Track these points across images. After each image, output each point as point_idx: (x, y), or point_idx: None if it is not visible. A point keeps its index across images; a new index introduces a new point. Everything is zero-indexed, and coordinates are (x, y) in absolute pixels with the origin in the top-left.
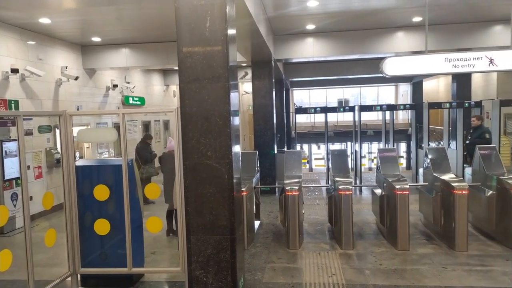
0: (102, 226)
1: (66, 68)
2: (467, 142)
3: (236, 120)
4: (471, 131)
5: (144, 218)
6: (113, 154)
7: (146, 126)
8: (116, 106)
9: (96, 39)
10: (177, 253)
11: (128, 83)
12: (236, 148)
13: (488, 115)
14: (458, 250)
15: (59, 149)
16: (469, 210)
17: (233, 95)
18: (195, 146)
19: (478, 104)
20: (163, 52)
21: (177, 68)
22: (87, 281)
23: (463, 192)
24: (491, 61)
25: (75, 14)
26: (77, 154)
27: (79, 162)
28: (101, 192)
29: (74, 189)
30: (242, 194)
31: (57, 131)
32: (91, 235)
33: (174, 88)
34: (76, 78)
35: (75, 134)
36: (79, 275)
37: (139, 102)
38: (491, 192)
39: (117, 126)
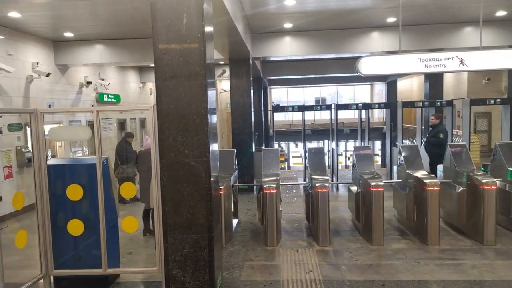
0: (75, 227)
1: (38, 64)
2: (425, 140)
3: (213, 118)
4: (430, 129)
5: (119, 218)
6: (87, 153)
7: (122, 124)
8: (90, 103)
9: (69, 34)
10: (153, 253)
11: (103, 80)
12: (214, 146)
13: (459, 114)
14: (430, 245)
15: (30, 148)
16: (440, 206)
17: (211, 93)
18: (172, 144)
19: (450, 103)
20: (139, 49)
21: (153, 65)
22: (61, 283)
23: (435, 188)
24: (462, 61)
25: (46, 9)
26: (49, 153)
27: (51, 161)
28: (74, 192)
29: (46, 189)
30: (220, 192)
31: (28, 129)
32: (64, 236)
33: (151, 85)
34: (48, 75)
35: (46, 133)
36: (52, 277)
37: (114, 100)
38: (461, 188)
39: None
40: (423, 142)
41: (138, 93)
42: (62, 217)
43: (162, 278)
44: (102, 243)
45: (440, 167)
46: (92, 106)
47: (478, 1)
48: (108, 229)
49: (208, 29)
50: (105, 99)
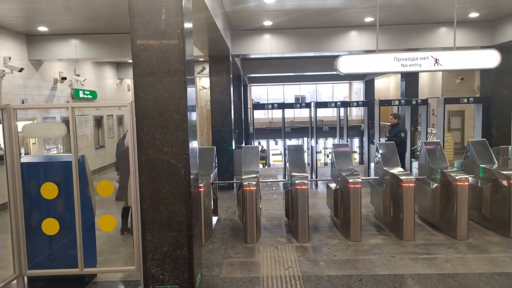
0: (50, 226)
1: (10, 59)
2: (385, 139)
3: (193, 115)
4: (390, 129)
5: (96, 216)
6: (62, 151)
7: (98, 121)
8: (65, 100)
9: (43, 28)
10: (131, 252)
11: (78, 75)
12: (193, 144)
13: (433, 113)
14: (406, 240)
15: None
16: (415, 202)
17: (190, 90)
18: (151, 142)
19: (425, 102)
20: (116, 44)
21: (131, 61)
22: (35, 283)
23: (410, 184)
24: (436, 61)
25: (19, 1)
26: (22, 150)
27: (25, 159)
28: (49, 190)
29: (19, 187)
30: (200, 190)
31: (0, 126)
32: (38, 235)
33: (128, 82)
34: (21, 70)
35: (19, 129)
36: (26, 278)
37: (91, 96)
38: (435, 184)
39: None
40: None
41: (115, 89)
42: (36, 216)
43: (140, 277)
44: (78, 242)
45: (415, 164)
46: (67, 102)
47: (452, 2)
48: (84, 228)
49: (188, 25)
50: (81, 95)
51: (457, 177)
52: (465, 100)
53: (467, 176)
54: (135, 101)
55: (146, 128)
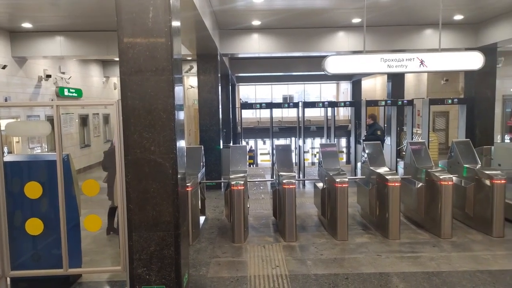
0: (34, 226)
1: None
2: (363, 138)
3: (180, 115)
4: (367, 128)
5: (82, 216)
6: (46, 149)
7: (84, 119)
8: (49, 98)
9: (27, 25)
10: (118, 252)
11: (63, 73)
12: (181, 143)
13: (419, 113)
14: (391, 239)
15: None
16: (401, 201)
17: (178, 89)
18: (138, 141)
19: (410, 103)
20: (103, 42)
21: (117, 59)
22: (18, 284)
23: (396, 184)
24: (422, 62)
25: None
26: (6, 149)
27: (8, 158)
28: (33, 190)
29: (2, 187)
30: (187, 189)
31: None
32: (22, 236)
33: (115, 80)
34: (4, 67)
35: (2, 128)
36: (8, 279)
37: (76, 94)
38: (420, 184)
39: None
40: (363, 141)
41: (101, 87)
42: (19, 216)
43: (126, 277)
44: (63, 242)
45: (401, 164)
46: (52, 100)
47: (437, 5)
48: (69, 228)
49: (175, 23)
50: (66, 93)
51: (441, 177)
52: (450, 101)
53: (451, 175)
54: (121, 99)
55: (133, 127)
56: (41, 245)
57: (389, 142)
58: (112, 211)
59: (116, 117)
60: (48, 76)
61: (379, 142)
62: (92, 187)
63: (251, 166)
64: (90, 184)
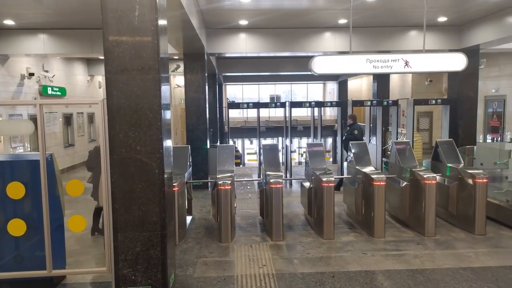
0: (17, 227)
1: None
2: (343, 137)
3: (167, 114)
4: (348, 128)
5: (66, 217)
6: (29, 149)
7: (68, 118)
8: (32, 96)
9: (9, 22)
10: (103, 253)
11: (47, 71)
12: (167, 143)
13: (403, 113)
14: (377, 237)
15: None
16: (386, 200)
17: (164, 88)
18: (123, 140)
19: (395, 103)
20: (87, 40)
21: (102, 57)
22: (1, 286)
23: (381, 183)
24: (406, 63)
25: None
26: None
27: None
28: (15, 190)
29: None
30: (174, 189)
31: None
32: (4, 237)
33: (100, 78)
34: None
35: None
36: None
37: (60, 93)
38: (405, 183)
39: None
40: (342, 141)
41: (86, 86)
42: (1, 217)
43: (111, 278)
44: (46, 243)
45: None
46: (35, 99)
47: (422, 6)
48: (53, 228)
49: (162, 22)
50: (49, 92)
51: (425, 176)
52: (433, 102)
53: (435, 174)
54: (107, 98)
55: (119, 126)
56: (24, 246)
57: (374, 141)
58: (98, 212)
59: (101, 116)
60: (31, 74)
61: (365, 143)
62: (76, 187)
63: (239, 166)
64: (74, 184)
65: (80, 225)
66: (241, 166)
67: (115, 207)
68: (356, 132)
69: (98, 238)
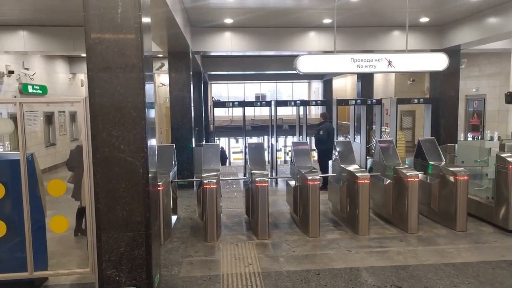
0: None
1: None
2: (315, 136)
3: (151, 113)
4: (319, 126)
5: (47, 217)
6: (9, 148)
7: (49, 117)
8: (12, 94)
9: None
10: (86, 254)
11: (27, 69)
12: (152, 142)
13: (387, 112)
14: (361, 234)
15: None
16: (370, 198)
17: (148, 87)
18: (107, 139)
19: (379, 102)
20: (69, 37)
21: (84, 55)
22: None
23: (365, 181)
24: (390, 62)
25: None
26: None
27: None
28: None
29: None
30: (158, 188)
31: None
32: None
33: (82, 76)
34: None
35: None
36: None
37: (40, 91)
38: (388, 181)
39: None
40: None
41: (67, 84)
42: None
43: (95, 279)
44: (27, 244)
45: (369, 161)
46: (15, 97)
47: (404, 7)
48: (34, 229)
49: (146, 20)
50: (30, 90)
51: (408, 174)
52: (416, 101)
53: (418, 172)
54: (89, 97)
55: (102, 125)
56: (4, 247)
57: (358, 140)
58: (81, 212)
59: (83, 115)
60: (11, 72)
61: (349, 141)
62: (58, 187)
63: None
64: (55, 184)
65: (62, 225)
66: (226, 165)
67: (98, 207)
68: (321, 132)
69: (81, 239)
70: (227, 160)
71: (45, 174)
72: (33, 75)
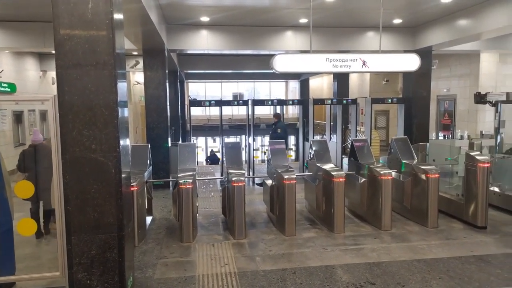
0: None
1: None
2: (271, 134)
3: (124, 111)
4: (273, 127)
5: (15, 220)
6: None
7: (18, 116)
8: None
9: None
10: (56, 257)
11: None
12: (125, 141)
13: (362, 112)
14: (337, 232)
15: None
16: (345, 196)
17: (121, 85)
18: (77, 138)
19: (354, 102)
20: (39, 33)
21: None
22: None
23: (341, 179)
24: (364, 63)
25: None
26: None
27: None
28: None
29: None
30: (132, 189)
31: None
32: None
33: (53, 74)
34: None
35: None
36: None
37: (9, 89)
38: (363, 179)
39: None
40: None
41: (38, 82)
42: None
43: (65, 283)
44: None
45: (346, 160)
46: None
47: (378, 8)
48: (1, 232)
49: (118, 16)
50: None
51: (381, 172)
52: (390, 101)
53: (391, 171)
54: (58, 94)
55: (71, 124)
56: None
57: (334, 139)
58: (47, 214)
59: (52, 114)
60: None
61: (325, 140)
62: (26, 189)
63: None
64: (23, 185)
65: (30, 228)
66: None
67: (68, 209)
68: (279, 130)
69: (50, 242)
70: (219, 162)
71: (13, 176)
72: (1, 72)
